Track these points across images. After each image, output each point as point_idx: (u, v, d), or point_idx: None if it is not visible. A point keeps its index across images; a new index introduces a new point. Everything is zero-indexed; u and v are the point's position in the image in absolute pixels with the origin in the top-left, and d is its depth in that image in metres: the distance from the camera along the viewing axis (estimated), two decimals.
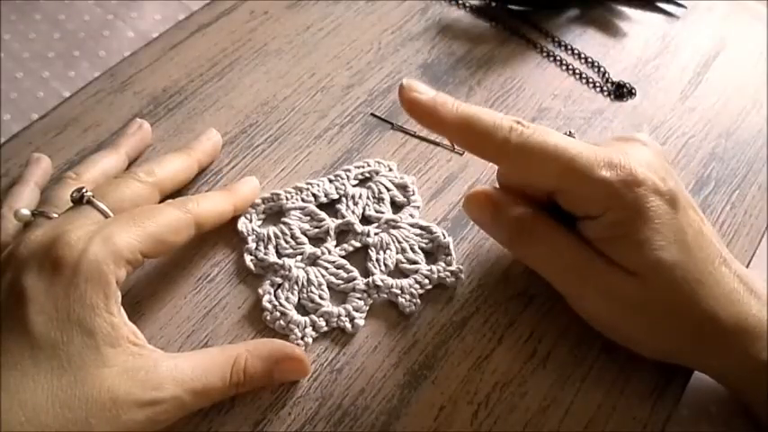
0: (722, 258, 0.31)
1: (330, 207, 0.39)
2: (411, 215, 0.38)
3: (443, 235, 0.37)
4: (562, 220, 0.32)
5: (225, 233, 0.37)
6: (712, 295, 0.29)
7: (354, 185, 0.39)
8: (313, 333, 0.34)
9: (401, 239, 0.37)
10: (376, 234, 0.37)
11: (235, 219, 0.38)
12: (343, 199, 0.39)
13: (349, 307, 0.35)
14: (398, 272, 0.36)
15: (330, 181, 0.39)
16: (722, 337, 0.30)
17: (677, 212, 0.30)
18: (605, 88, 0.46)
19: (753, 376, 0.30)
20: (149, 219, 0.30)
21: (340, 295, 0.36)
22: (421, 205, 0.39)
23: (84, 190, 0.31)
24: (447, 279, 0.36)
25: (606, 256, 0.30)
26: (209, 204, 0.34)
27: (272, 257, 0.36)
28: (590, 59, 0.47)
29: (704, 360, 0.31)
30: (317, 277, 0.35)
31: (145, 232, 0.30)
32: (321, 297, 0.35)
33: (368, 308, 0.35)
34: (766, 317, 0.30)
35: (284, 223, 0.37)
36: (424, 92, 0.30)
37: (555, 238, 0.31)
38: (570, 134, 0.40)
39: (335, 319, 0.34)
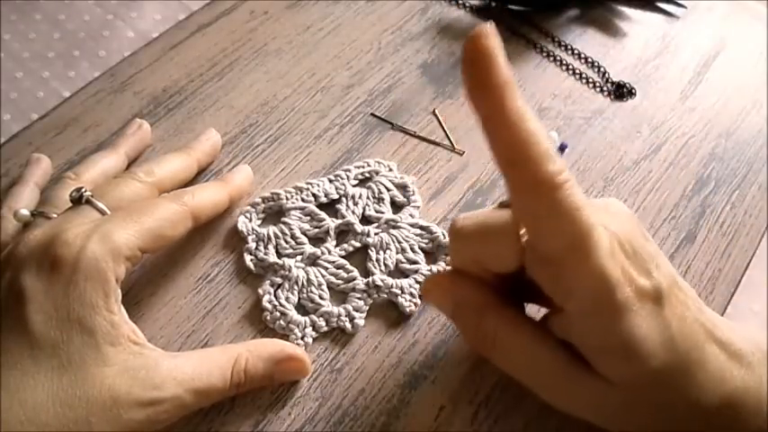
0: (706, 335, 0.27)
1: (330, 207, 0.39)
2: (411, 215, 0.38)
3: (443, 235, 0.37)
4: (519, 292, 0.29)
5: (225, 233, 0.37)
6: (696, 384, 0.27)
7: (354, 185, 0.39)
8: (313, 333, 0.34)
9: (401, 239, 0.37)
10: (376, 234, 0.37)
11: (234, 219, 0.38)
12: (343, 199, 0.39)
13: (349, 307, 0.35)
14: (398, 272, 0.36)
15: (330, 181, 0.39)
16: (707, 419, 0.27)
17: (663, 307, 0.26)
18: (605, 88, 0.46)
19: None
20: (146, 214, 0.30)
21: (340, 295, 0.36)
22: (421, 205, 0.39)
23: (83, 190, 0.31)
24: None
25: (583, 360, 0.27)
26: (205, 195, 0.34)
27: (272, 257, 0.36)
28: (590, 59, 0.47)
29: None
30: (316, 277, 0.35)
31: (142, 228, 0.30)
32: (321, 297, 0.35)
33: (368, 308, 0.35)
34: (748, 382, 0.27)
35: (284, 223, 0.37)
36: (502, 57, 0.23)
37: (522, 349, 0.28)
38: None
39: (335, 319, 0.34)
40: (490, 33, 0.23)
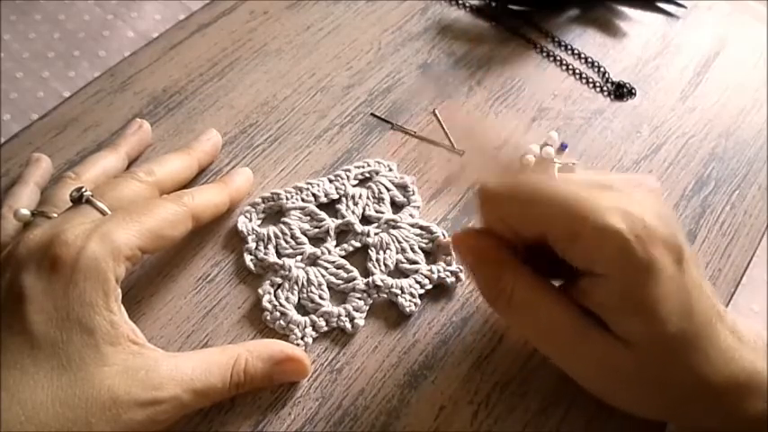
0: (717, 314, 0.28)
1: (330, 207, 0.39)
2: (411, 215, 0.38)
3: (443, 235, 0.37)
4: (548, 268, 0.30)
5: (225, 233, 0.37)
6: (706, 359, 0.27)
7: (354, 185, 0.39)
8: (313, 333, 0.34)
9: (401, 239, 0.37)
10: (376, 234, 0.37)
11: (234, 219, 0.38)
12: (343, 199, 0.39)
13: (349, 307, 0.35)
14: (398, 272, 0.36)
15: (330, 181, 0.39)
16: (714, 398, 0.28)
17: (683, 273, 0.27)
18: (605, 88, 0.46)
19: (739, 429, 0.28)
20: (146, 214, 0.30)
21: (340, 295, 0.36)
22: (421, 205, 0.39)
23: (83, 189, 0.31)
24: (447, 279, 0.36)
25: (600, 321, 0.28)
26: (205, 197, 0.34)
27: (272, 257, 0.36)
28: (590, 59, 0.47)
29: (694, 420, 0.30)
30: (316, 277, 0.35)
31: (142, 228, 0.30)
32: (321, 297, 0.35)
33: (368, 308, 0.35)
34: (756, 366, 0.28)
35: (284, 223, 0.37)
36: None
37: (538, 306, 0.29)
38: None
39: (335, 319, 0.34)
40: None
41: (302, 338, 0.34)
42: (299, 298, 0.35)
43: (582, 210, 0.27)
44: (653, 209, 0.27)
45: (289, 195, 0.38)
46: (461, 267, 0.36)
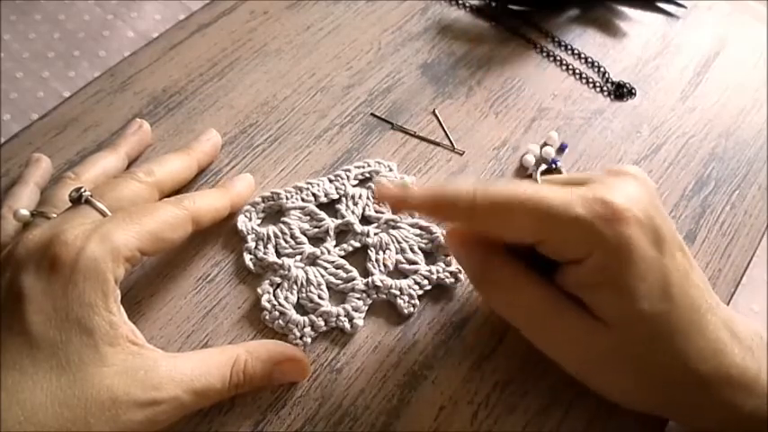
0: (708, 305, 0.28)
1: (330, 207, 0.39)
2: (411, 215, 0.38)
3: (443, 235, 0.37)
4: (543, 267, 0.30)
5: (225, 233, 0.37)
6: (695, 347, 0.28)
7: (354, 185, 0.39)
8: (312, 333, 0.34)
9: (401, 240, 0.37)
10: (375, 234, 0.37)
11: (234, 219, 0.38)
12: (343, 199, 0.39)
13: (348, 307, 0.35)
14: (398, 272, 0.36)
15: (330, 181, 0.39)
16: (704, 390, 0.28)
17: (663, 255, 0.28)
18: (605, 88, 0.46)
19: (737, 428, 0.29)
20: (146, 216, 0.30)
21: (339, 295, 0.36)
22: None
23: (82, 189, 0.31)
24: (446, 279, 0.36)
25: (582, 304, 0.29)
26: (206, 201, 0.34)
27: (272, 257, 0.36)
28: (590, 59, 0.47)
29: (690, 417, 0.30)
30: (316, 277, 0.35)
31: (142, 229, 0.30)
32: (320, 297, 0.35)
33: (367, 308, 0.35)
34: (748, 363, 0.28)
35: (284, 223, 0.37)
36: (393, 185, 0.32)
37: (519, 286, 0.30)
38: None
39: (334, 319, 0.34)
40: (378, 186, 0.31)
41: (301, 338, 0.34)
42: (299, 298, 0.35)
43: (548, 211, 0.27)
44: (626, 192, 0.28)
45: (289, 195, 0.38)
46: (460, 267, 0.36)
